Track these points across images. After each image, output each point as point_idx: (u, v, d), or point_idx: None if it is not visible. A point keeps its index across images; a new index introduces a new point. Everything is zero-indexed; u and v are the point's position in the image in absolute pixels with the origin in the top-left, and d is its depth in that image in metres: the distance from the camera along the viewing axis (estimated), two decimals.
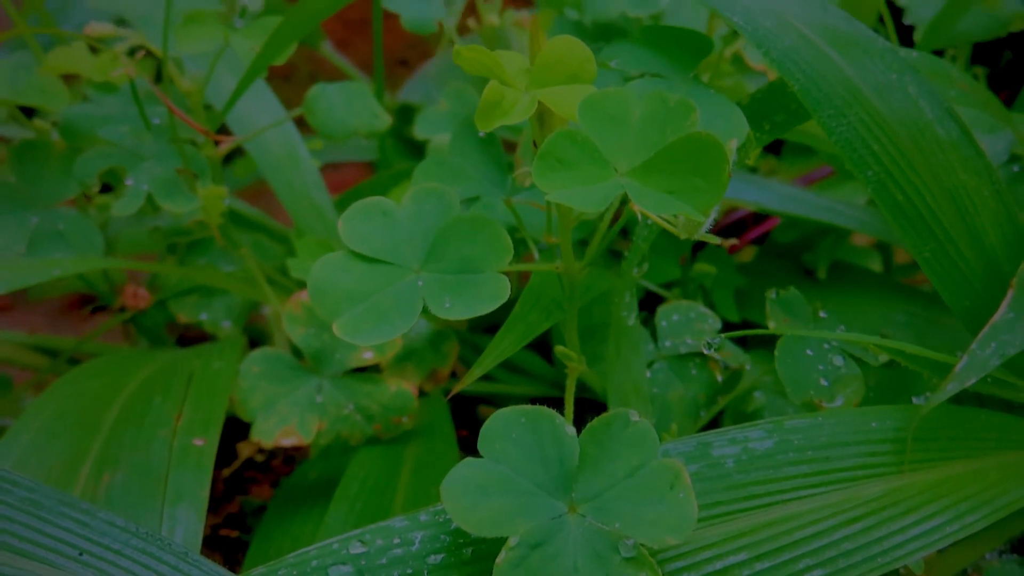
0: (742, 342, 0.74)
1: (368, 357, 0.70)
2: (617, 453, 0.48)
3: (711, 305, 0.78)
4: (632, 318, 0.61)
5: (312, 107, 0.73)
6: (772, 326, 0.61)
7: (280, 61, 0.67)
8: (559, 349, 0.56)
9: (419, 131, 0.81)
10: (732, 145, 0.49)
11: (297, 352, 0.75)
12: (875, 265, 0.93)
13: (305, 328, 0.70)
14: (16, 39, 1.03)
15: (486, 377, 0.87)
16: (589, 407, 0.81)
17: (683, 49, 0.58)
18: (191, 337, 0.91)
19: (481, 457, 0.48)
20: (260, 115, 0.84)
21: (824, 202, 0.80)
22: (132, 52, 0.74)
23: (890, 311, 0.78)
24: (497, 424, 0.49)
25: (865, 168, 0.55)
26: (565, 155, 0.46)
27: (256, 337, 0.87)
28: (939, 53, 0.87)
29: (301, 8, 0.63)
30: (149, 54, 0.75)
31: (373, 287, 0.51)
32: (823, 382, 0.59)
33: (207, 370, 0.69)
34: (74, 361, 0.82)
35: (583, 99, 0.48)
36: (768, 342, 0.85)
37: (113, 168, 0.69)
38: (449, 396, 0.57)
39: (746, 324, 0.80)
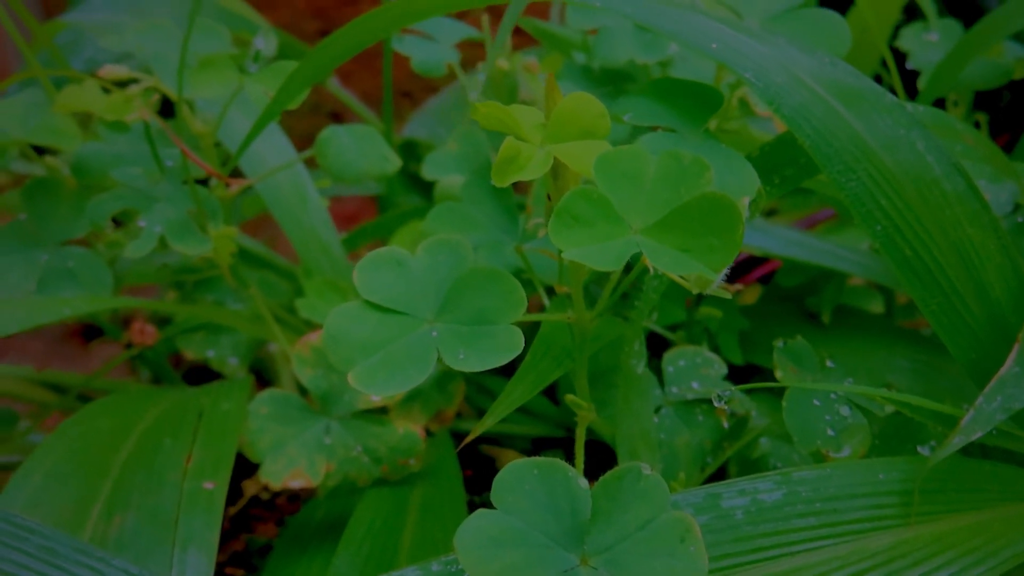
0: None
1: (376, 399, 0.70)
2: (629, 506, 0.48)
3: (715, 348, 0.79)
4: (641, 366, 0.62)
5: (323, 150, 0.73)
6: (780, 375, 0.61)
7: (294, 106, 0.68)
8: (569, 398, 0.56)
9: (427, 172, 0.82)
10: (744, 203, 0.50)
11: (302, 390, 0.75)
12: (876, 306, 0.94)
13: (314, 370, 0.70)
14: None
15: None
16: (594, 449, 0.81)
17: (694, 102, 0.59)
18: (196, 372, 0.91)
19: (493, 508, 0.48)
20: (269, 152, 0.85)
21: (827, 247, 0.80)
22: (146, 93, 0.74)
23: (894, 356, 0.78)
24: (510, 476, 0.49)
25: (874, 223, 0.56)
26: (580, 213, 0.47)
27: (262, 373, 0.87)
28: (942, 98, 0.88)
29: (316, 55, 0.64)
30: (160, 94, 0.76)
31: (387, 337, 0.52)
32: (830, 432, 0.60)
33: (216, 411, 0.69)
34: (83, 397, 0.83)
35: (598, 157, 0.48)
36: (767, 377, 0.86)
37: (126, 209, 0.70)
38: (461, 446, 0.58)
39: (750, 367, 0.81)
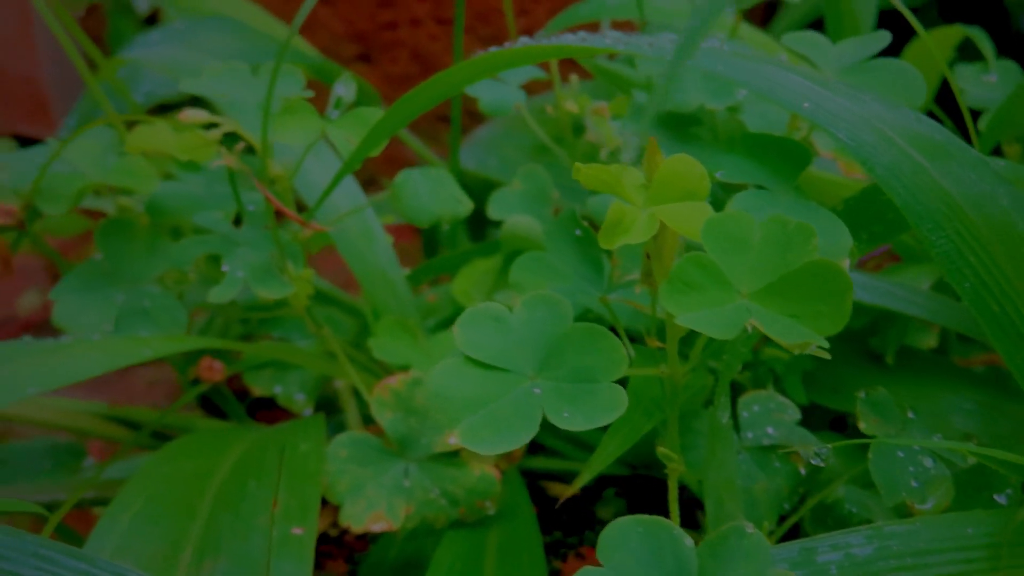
0: (808, 424, 0.75)
1: (454, 442, 0.71)
2: (733, 565, 0.49)
3: (782, 390, 0.79)
4: (726, 416, 0.63)
5: (398, 193, 0.74)
6: (863, 426, 0.62)
7: (376, 153, 0.69)
8: (661, 450, 0.57)
9: (493, 212, 0.83)
10: (846, 265, 0.51)
11: (366, 419, 0.76)
12: (930, 340, 0.95)
13: (393, 412, 0.71)
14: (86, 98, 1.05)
15: (551, 452, 0.89)
16: (661, 487, 0.82)
17: (782, 158, 0.60)
18: (258, 404, 0.92)
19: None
20: (336, 191, 0.85)
21: (891, 288, 0.81)
22: (220, 135, 0.75)
23: (959, 399, 0.79)
24: (615, 533, 0.50)
25: (963, 280, 0.57)
26: (692, 278, 0.48)
27: (327, 407, 0.88)
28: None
29: (401, 107, 0.65)
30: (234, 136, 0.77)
31: (491, 394, 0.52)
32: (914, 484, 0.61)
33: (295, 452, 0.70)
34: (159, 435, 0.84)
35: (707, 222, 0.49)
36: (831, 421, 0.86)
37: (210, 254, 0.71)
38: (560, 502, 0.59)
39: (814, 407, 0.82)
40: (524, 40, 0.63)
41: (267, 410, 0.95)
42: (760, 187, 0.59)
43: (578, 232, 0.67)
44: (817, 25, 0.89)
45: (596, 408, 0.51)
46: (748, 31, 0.91)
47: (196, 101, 1.18)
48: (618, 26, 1.27)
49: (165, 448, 0.71)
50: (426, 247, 1.16)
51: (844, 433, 0.83)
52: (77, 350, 0.70)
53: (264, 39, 1.12)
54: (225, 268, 0.70)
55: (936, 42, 0.97)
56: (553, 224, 0.67)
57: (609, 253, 0.65)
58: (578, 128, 0.86)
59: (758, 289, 0.48)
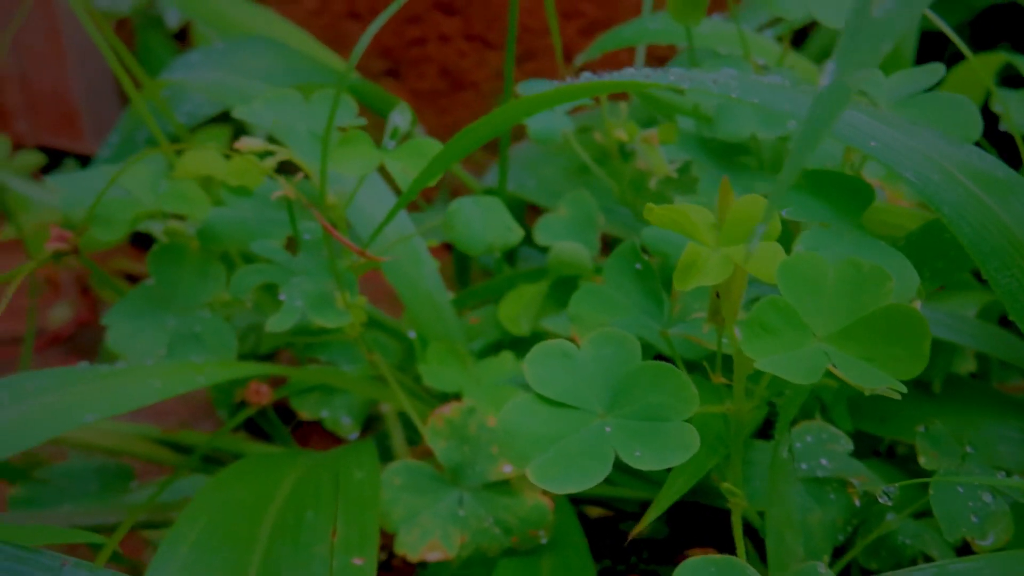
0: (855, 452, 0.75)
1: (507, 471, 0.71)
2: None
3: (829, 419, 0.80)
4: (786, 450, 0.63)
5: (452, 222, 0.75)
6: (923, 461, 0.63)
7: (432, 183, 0.69)
8: (725, 486, 0.58)
9: (540, 238, 0.83)
10: (918, 306, 0.51)
11: (411, 441, 0.76)
12: (968, 365, 0.95)
13: (447, 441, 0.71)
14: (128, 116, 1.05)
15: None
16: (716, 516, 0.82)
17: (847, 196, 0.60)
18: (306, 429, 0.93)
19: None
20: (377, 209, 0.86)
21: (938, 316, 0.81)
22: (269, 159, 0.75)
23: (1004, 427, 0.79)
24: (688, 572, 0.50)
25: None
26: (769, 322, 0.48)
27: (372, 430, 0.88)
28: None
29: (458, 141, 0.65)
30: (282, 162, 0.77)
31: (560, 432, 0.53)
32: (974, 519, 0.61)
33: (350, 480, 0.71)
34: (209, 459, 0.84)
35: (782, 264, 0.49)
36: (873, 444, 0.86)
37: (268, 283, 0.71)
38: (629, 538, 0.59)
39: (859, 434, 0.82)
40: (588, 76, 0.63)
41: (310, 430, 0.95)
42: (825, 225, 0.59)
43: (638, 266, 0.67)
44: None
45: (668, 447, 0.51)
46: (793, 57, 0.92)
47: (225, 116, 1.19)
48: (655, 50, 1.28)
49: (219, 476, 0.72)
50: (457, 266, 1.17)
51: (891, 461, 0.83)
52: (134, 377, 0.71)
53: (302, 59, 1.12)
54: (283, 297, 0.70)
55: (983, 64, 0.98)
56: (613, 257, 0.68)
57: (669, 287, 0.65)
58: (624, 153, 0.86)
59: (833, 332, 0.49)
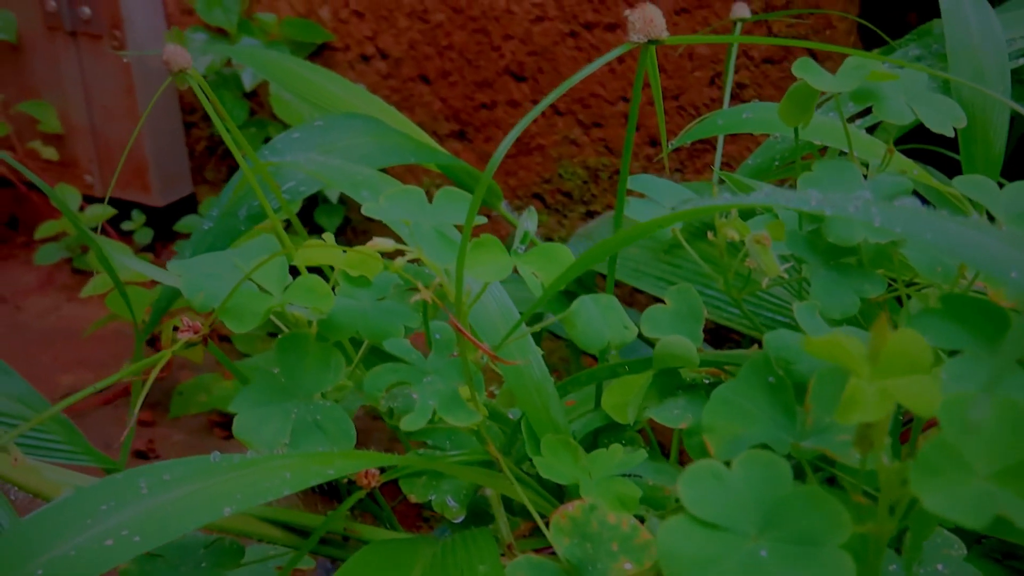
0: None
1: (628, 568, 0.73)
2: None
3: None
4: (918, 567, 0.65)
5: (574, 320, 0.77)
6: None
7: (561, 287, 0.71)
8: None
9: (646, 331, 0.85)
10: None
11: (512, 524, 0.77)
12: None
13: (570, 538, 0.73)
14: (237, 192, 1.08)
15: None
16: None
17: (984, 322, 0.62)
18: (404, 507, 0.95)
19: None
20: (491, 303, 0.88)
21: None
22: (400, 259, 0.78)
23: None
24: None
25: None
26: (936, 462, 0.50)
27: (475, 512, 0.90)
28: None
29: (591, 254, 0.68)
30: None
31: (716, 555, 0.55)
32: None
33: (475, 574, 0.73)
34: (325, 541, 0.86)
35: (944, 402, 0.51)
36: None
37: (401, 383, 0.74)
38: None
39: (956, 530, 0.83)
40: (727, 197, 0.65)
41: (408, 509, 0.97)
42: (966, 353, 0.61)
43: (771, 379, 0.69)
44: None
45: (824, 573, 0.53)
46: (897, 158, 0.94)
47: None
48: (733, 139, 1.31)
49: (345, 567, 0.73)
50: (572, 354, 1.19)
51: (1002, 562, 0.84)
52: (266, 469, 0.73)
53: (394, 136, 1.15)
54: (415, 396, 0.72)
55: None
56: (746, 368, 0.70)
57: (802, 399, 0.67)
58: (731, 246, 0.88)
59: (995, 471, 0.51)
